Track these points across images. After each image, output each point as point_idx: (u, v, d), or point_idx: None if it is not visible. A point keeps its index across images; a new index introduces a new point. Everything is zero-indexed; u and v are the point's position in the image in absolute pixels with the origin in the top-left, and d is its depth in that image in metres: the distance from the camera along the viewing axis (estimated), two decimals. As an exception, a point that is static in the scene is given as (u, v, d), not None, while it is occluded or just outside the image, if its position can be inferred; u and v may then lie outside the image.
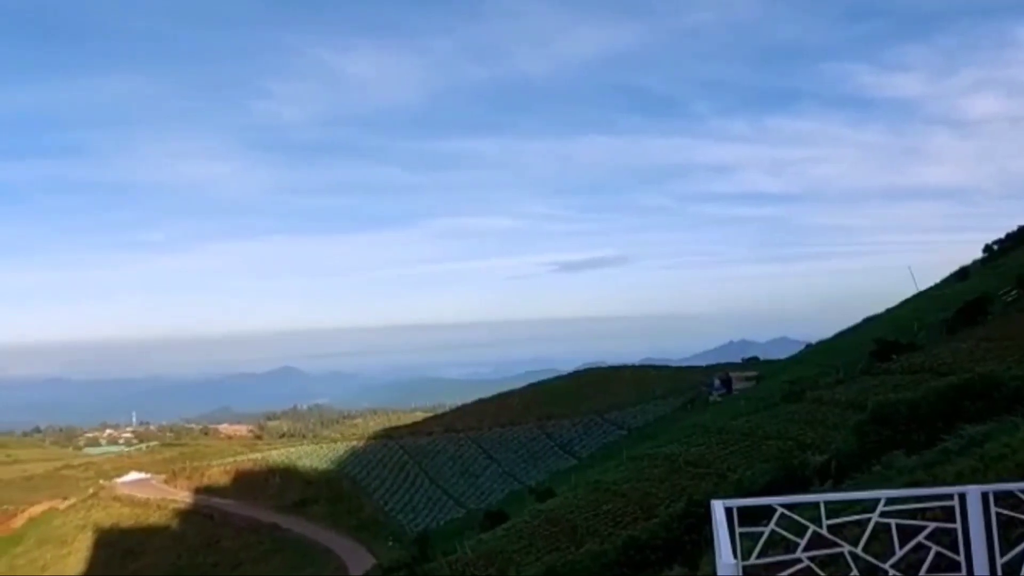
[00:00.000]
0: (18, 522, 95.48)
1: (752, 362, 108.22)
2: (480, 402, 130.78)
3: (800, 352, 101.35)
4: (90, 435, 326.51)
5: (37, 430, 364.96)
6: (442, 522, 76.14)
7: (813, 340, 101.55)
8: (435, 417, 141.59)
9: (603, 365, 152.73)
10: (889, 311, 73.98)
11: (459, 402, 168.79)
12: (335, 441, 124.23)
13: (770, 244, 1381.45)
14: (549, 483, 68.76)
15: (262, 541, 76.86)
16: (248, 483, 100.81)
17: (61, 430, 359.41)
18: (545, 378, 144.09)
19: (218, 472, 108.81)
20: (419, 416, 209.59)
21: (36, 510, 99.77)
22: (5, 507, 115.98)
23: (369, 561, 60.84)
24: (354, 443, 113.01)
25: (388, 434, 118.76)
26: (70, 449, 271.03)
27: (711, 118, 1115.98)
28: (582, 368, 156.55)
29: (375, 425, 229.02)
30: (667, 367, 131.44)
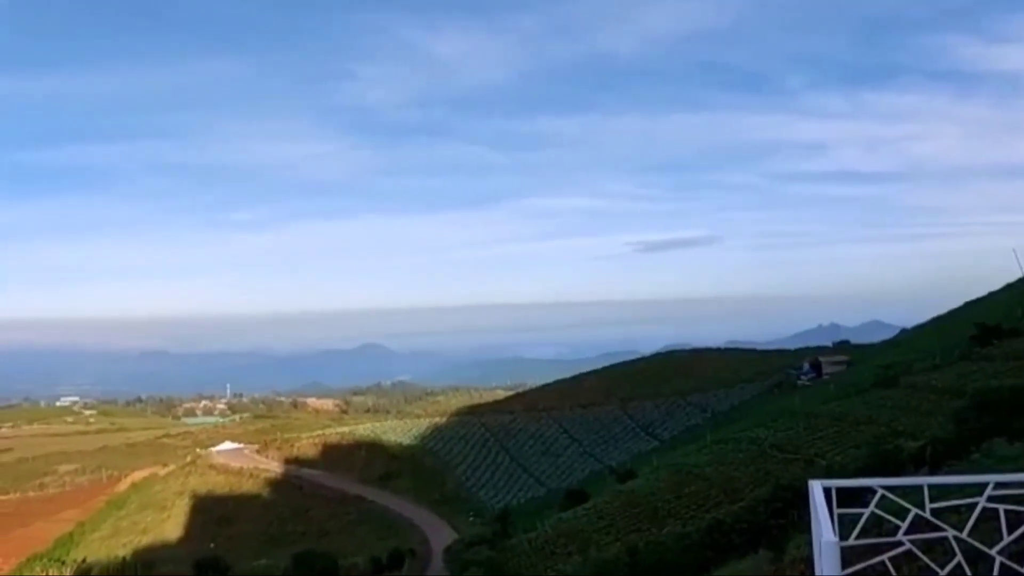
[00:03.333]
0: (122, 486, 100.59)
1: (843, 346, 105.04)
2: (561, 382, 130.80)
3: (894, 336, 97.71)
4: (187, 406, 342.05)
5: (139, 400, 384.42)
6: (522, 499, 76.71)
7: (908, 324, 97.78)
8: (516, 396, 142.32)
9: (687, 347, 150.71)
10: (991, 295, 70.36)
11: (540, 382, 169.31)
12: (418, 417, 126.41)
13: (864, 225, 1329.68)
14: (630, 464, 68.39)
15: (348, 512, 78.91)
16: (335, 456, 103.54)
17: (161, 401, 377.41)
18: (627, 359, 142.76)
19: (307, 444, 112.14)
20: (500, 395, 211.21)
21: (138, 475, 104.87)
22: (111, 472, 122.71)
23: (451, 535, 61.78)
24: (436, 419, 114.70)
25: (470, 411, 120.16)
26: (169, 419, 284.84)
27: (804, 94, 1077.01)
28: (665, 350, 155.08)
29: (457, 402, 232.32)
30: (753, 350, 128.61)
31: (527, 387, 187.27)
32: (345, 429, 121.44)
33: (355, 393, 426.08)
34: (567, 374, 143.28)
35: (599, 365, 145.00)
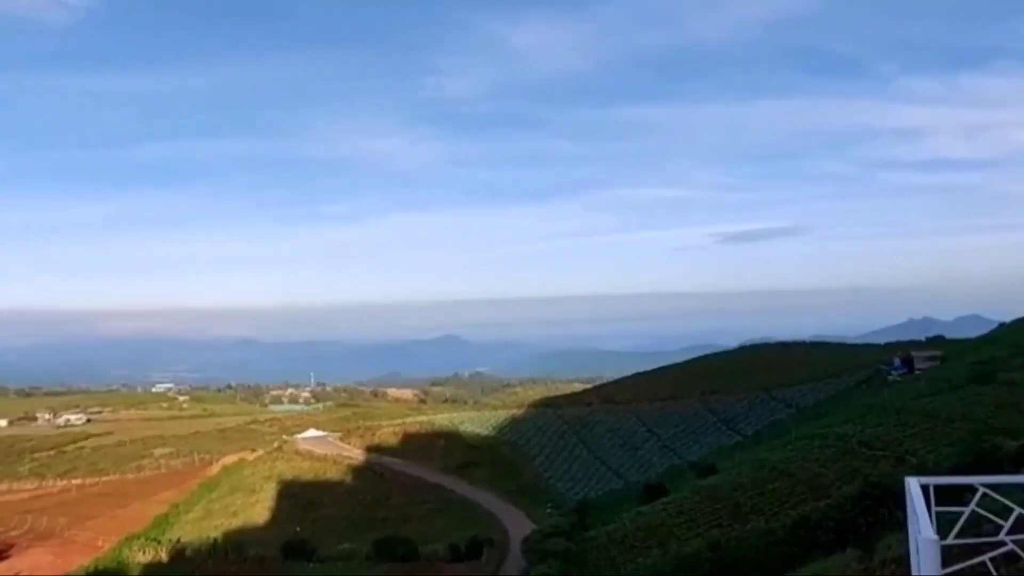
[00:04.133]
0: (214, 470, 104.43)
1: (936, 341, 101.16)
2: (641, 375, 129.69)
3: (992, 331, 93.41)
4: (274, 393, 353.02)
5: (229, 387, 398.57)
6: (600, 492, 76.42)
7: (1008, 319, 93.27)
8: (594, 388, 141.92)
9: (772, 341, 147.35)
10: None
11: (619, 374, 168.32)
12: (496, 408, 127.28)
13: (961, 214, 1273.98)
14: (711, 459, 67.44)
15: (427, 500, 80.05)
16: (415, 444, 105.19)
17: (249, 388, 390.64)
18: (709, 353, 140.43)
19: (388, 433, 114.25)
20: (578, 387, 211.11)
21: (229, 460, 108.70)
22: (203, 456, 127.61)
23: (528, 525, 62.01)
24: (514, 411, 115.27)
25: (547, 403, 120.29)
26: (257, 406, 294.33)
27: (898, 79, 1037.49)
28: (749, 343, 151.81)
29: (534, 394, 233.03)
30: (841, 344, 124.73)
31: (605, 380, 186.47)
32: (424, 419, 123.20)
33: (434, 384, 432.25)
34: (646, 367, 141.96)
35: (680, 358, 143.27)
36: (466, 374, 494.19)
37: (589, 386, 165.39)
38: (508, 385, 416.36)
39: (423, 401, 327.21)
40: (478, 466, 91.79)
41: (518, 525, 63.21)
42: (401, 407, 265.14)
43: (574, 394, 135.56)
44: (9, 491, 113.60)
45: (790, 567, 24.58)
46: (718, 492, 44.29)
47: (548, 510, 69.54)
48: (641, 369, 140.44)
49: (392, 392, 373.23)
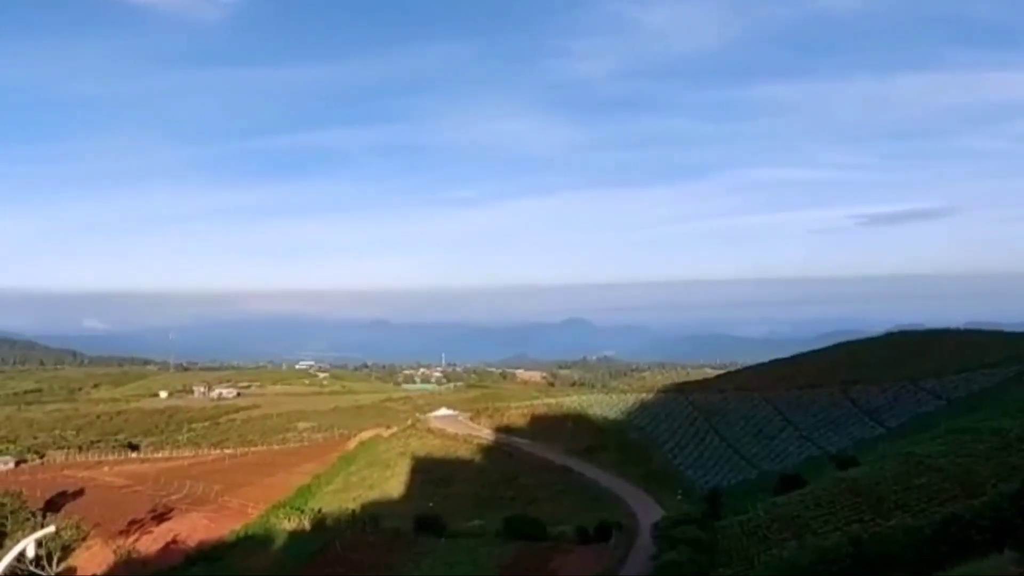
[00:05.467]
0: (351, 444, 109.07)
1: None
2: (776, 362, 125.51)
3: None
4: (407, 372, 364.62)
5: (365, 366, 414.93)
6: (732, 481, 74.70)
7: None
8: (727, 375, 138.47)
9: (919, 328, 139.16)
10: None
11: (751, 361, 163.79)
12: (624, 392, 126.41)
13: None
14: (852, 451, 64.64)
15: (555, 482, 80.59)
16: (542, 426, 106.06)
17: (384, 367, 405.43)
18: (851, 340, 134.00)
19: (516, 414, 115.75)
20: (709, 373, 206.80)
21: (365, 435, 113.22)
22: (341, 431, 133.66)
23: (657, 512, 61.38)
24: (643, 395, 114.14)
25: (677, 389, 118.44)
26: (391, 384, 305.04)
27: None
28: (895, 330, 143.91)
29: (663, 379, 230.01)
30: (998, 332, 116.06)
31: (737, 366, 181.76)
32: (552, 401, 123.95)
33: (561, 366, 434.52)
34: (781, 354, 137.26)
35: (818, 346, 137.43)
36: (593, 358, 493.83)
37: (721, 372, 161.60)
38: (636, 369, 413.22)
39: (551, 384, 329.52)
40: (606, 450, 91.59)
41: (647, 511, 62.71)
42: (529, 389, 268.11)
43: (705, 380, 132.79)
44: (170, 458, 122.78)
45: (938, 567, 23.19)
46: (859, 485, 42.34)
47: (678, 497, 68.64)
48: (775, 356, 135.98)
49: (520, 374, 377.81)
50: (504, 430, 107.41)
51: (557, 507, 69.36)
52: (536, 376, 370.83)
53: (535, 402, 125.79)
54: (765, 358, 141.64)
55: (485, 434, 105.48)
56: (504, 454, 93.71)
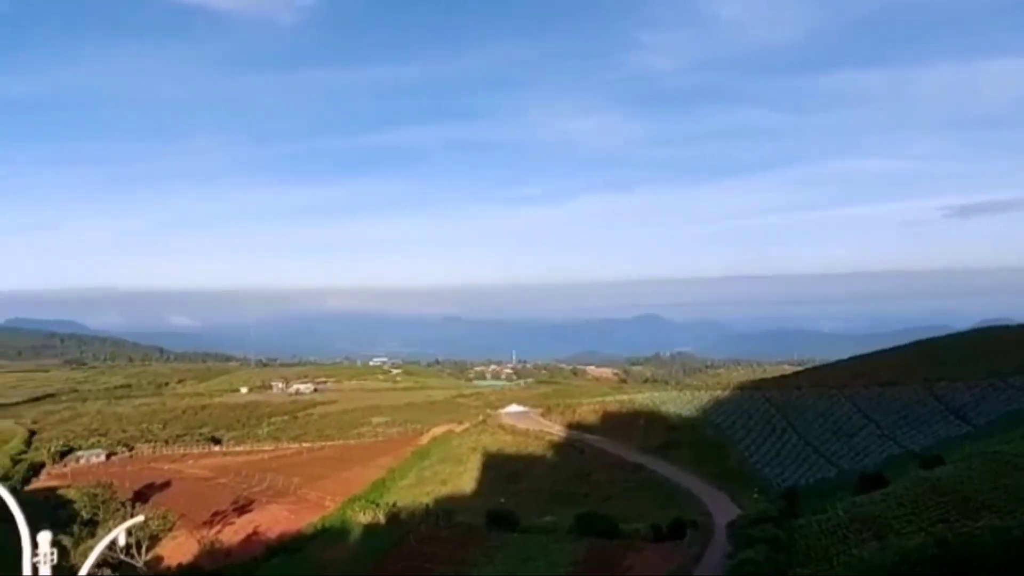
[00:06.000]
0: (424, 439, 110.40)
1: None
2: (856, 358, 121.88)
3: None
4: (478, 369, 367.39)
5: (436, 362, 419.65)
6: (811, 480, 72.93)
7: None
8: (805, 371, 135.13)
9: (1009, 323, 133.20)
10: None
11: (830, 357, 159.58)
12: (698, 389, 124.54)
13: None
14: (936, 450, 62.37)
15: (628, 479, 79.99)
16: (615, 423, 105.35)
17: (455, 363, 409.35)
18: (936, 335, 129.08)
19: (587, 410, 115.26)
20: (786, 369, 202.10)
21: (438, 430, 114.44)
22: (415, 426, 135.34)
23: (733, 510, 60.36)
24: (717, 392, 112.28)
25: (753, 386, 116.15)
26: (462, 380, 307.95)
27: None
28: (982, 325, 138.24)
29: (739, 376, 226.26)
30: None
31: (816, 362, 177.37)
32: (624, 397, 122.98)
33: (633, 363, 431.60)
34: (862, 350, 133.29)
35: (900, 341, 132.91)
36: (666, 354, 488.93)
37: (799, 369, 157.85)
38: (710, 366, 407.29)
39: (623, 380, 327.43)
40: (680, 447, 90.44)
41: (722, 509, 61.72)
42: (600, 385, 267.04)
43: (783, 377, 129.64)
44: (251, 451, 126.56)
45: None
46: (943, 485, 40.85)
47: (754, 495, 67.34)
48: (856, 352, 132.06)
49: (591, 370, 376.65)
50: (575, 427, 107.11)
51: (630, 504, 68.83)
52: (607, 372, 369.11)
53: (607, 398, 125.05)
54: (845, 354, 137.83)
55: (556, 430, 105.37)
56: (576, 451, 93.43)
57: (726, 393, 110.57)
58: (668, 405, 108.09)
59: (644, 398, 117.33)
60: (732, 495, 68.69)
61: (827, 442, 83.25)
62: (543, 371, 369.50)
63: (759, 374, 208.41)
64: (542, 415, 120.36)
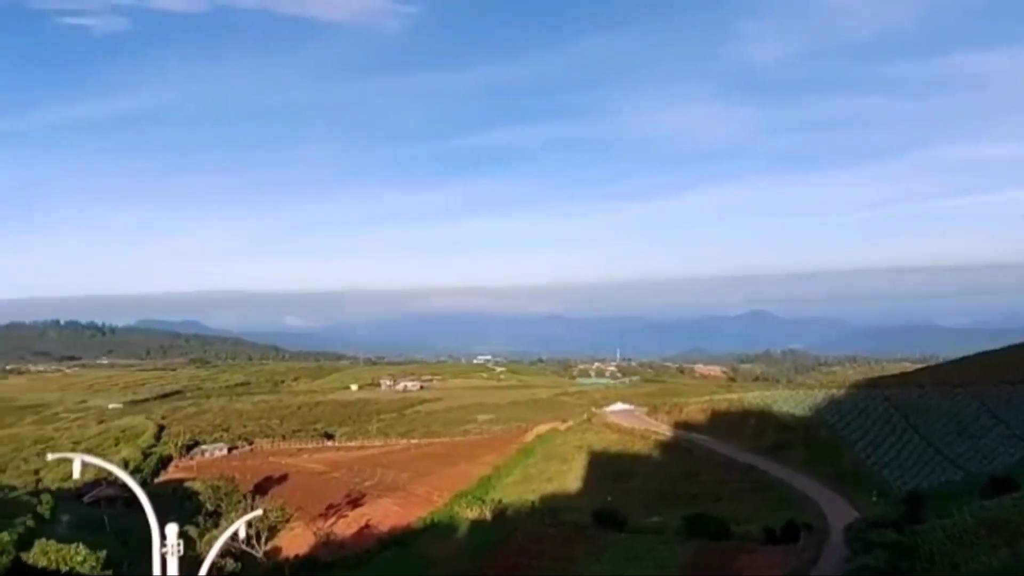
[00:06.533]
0: (529, 437, 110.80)
1: None
2: (985, 355, 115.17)
3: None
4: (582, 367, 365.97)
5: (540, 360, 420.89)
6: (934, 483, 69.50)
7: None
8: (927, 369, 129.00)
9: None
10: None
11: (956, 354, 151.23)
12: (811, 388, 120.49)
13: None
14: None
15: (738, 480, 78.10)
16: (723, 422, 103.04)
17: (559, 361, 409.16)
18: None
19: (695, 409, 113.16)
20: (907, 367, 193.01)
21: (542, 428, 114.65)
22: (519, 424, 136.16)
23: (850, 513, 58.04)
24: (832, 391, 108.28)
25: (871, 384, 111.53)
26: (566, 378, 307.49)
27: None
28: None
29: (855, 374, 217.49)
30: None
31: (939, 359, 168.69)
32: (733, 396, 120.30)
33: (742, 360, 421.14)
34: (989, 346, 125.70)
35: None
36: (777, 351, 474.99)
37: (920, 366, 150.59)
38: (824, 363, 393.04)
39: (731, 378, 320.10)
40: (792, 448, 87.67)
41: (839, 512, 59.44)
42: (708, 384, 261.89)
43: (903, 374, 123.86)
44: (362, 447, 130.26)
45: None
46: (1086, 491, 38.14)
47: (873, 498, 64.61)
48: (983, 348, 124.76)
49: (698, 368, 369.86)
50: (683, 426, 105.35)
51: (740, 506, 67.20)
52: (715, 370, 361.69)
53: (715, 397, 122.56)
54: (970, 350, 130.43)
55: (663, 430, 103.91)
56: (683, 450, 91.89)
57: (842, 392, 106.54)
58: (780, 404, 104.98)
59: (754, 397, 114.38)
60: (849, 498, 66.15)
61: (952, 444, 79.08)
62: (648, 369, 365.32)
63: (877, 372, 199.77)
64: (648, 414, 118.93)
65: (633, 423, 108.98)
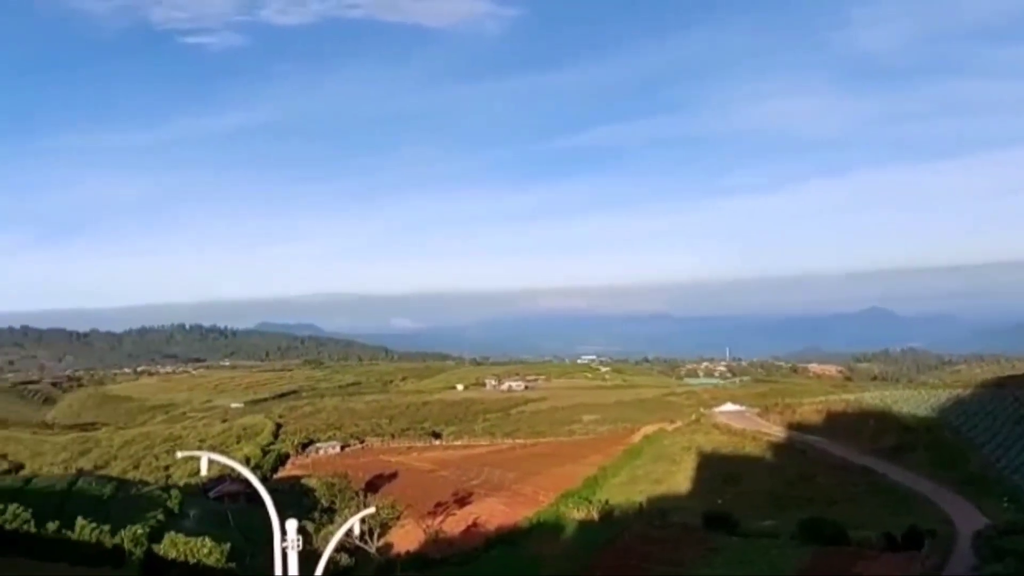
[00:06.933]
0: (636, 438, 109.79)
1: None
2: None
3: None
4: (689, 367, 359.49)
5: (646, 360, 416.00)
6: (1074, 489, 64.87)
7: None
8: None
9: None
10: None
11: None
12: (935, 388, 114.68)
13: None
14: None
15: (855, 483, 75.10)
16: (839, 423, 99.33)
17: (665, 361, 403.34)
18: None
19: (809, 410, 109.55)
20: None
21: (649, 429, 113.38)
22: (625, 424, 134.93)
23: (977, 519, 54.89)
24: (957, 391, 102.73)
25: (999, 383, 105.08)
26: (672, 378, 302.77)
27: None
28: None
29: (982, 373, 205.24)
30: None
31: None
32: (850, 396, 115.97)
33: (858, 359, 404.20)
34: None
35: None
36: (897, 350, 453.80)
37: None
38: (948, 362, 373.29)
39: (848, 378, 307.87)
40: (913, 450, 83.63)
41: (965, 518, 56.32)
42: (823, 384, 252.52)
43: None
44: (468, 446, 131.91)
45: None
46: None
47: (1004, 504, 60.95)
48: None
49: (813, 368, 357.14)
50: (796, 427, 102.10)
51: (859, 510, 64.60)
52: (831, 370, 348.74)
53: (830, 397, 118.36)
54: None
55: (775, 431, 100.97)
56: (797, 452, 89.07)
57: (967, 392, 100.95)
58: (900, 405, 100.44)
59: (872, 397, 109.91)
60: (976, 503, 62.57)
61: (1096, 447, 73.68)
62: (759, 369, 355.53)
63: (1006, 371, 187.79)
64: (759, 415, 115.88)
65: (744, 424, 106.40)
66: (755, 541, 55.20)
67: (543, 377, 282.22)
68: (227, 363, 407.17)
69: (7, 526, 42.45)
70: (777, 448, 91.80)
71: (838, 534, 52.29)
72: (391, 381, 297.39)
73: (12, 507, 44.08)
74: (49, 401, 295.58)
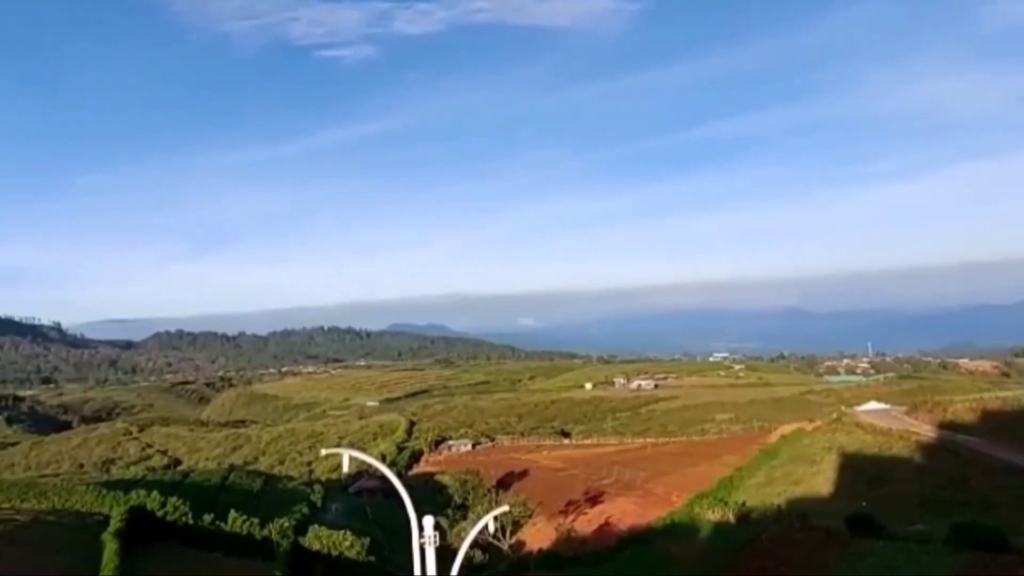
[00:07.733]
0: (772, 438, 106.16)
1: None
2: None
3: None
4: (829, 364, 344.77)
5: (781, 356, 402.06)
6: None
7: None
8: None
9: None
10: None
11: None
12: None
13: None
14: None
15: (1017, 486, 69.64)
16: (997, 423, 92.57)
17: (802, 358, 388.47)
18: None
19: (962, 408, 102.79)
20: None
21: (786, 429, 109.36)
22: (760, 424, 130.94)
23: None
24: None
25: None
26: (811, 376, 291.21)
27: None
28: None
29: None
30: None
31: None
32: (1009, 393, 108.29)
33: (1016, 354, 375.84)
34: None
35: None
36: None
37: None
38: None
39: (1005, 374, 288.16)
40: (1085, 452, 76.93)
41: None
42: (976, 380, 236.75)
43: None
44: (597, 445, 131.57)
45: None
46: None
47: None
48: None
49: (964, 363, 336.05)
50: (947, 426, 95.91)
51: (1020, 515, 60.00)
52: (985, 365, 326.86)
53: (985, 395, 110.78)
54: None
55: (924, 430, 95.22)
56: (949, 453, 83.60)
57: None
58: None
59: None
60: None
61: None
62: (905, 365, 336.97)
63: None
64: (906, 413, 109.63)
65: (889, 423, 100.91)
66: (903, 546, 52.17)
67: (673, 375, 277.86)
68: (363, 363, 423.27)
69: (168, 517, 45.62)
70: (926, 449, 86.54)
71: (997, 540, 48.65)
72: (519, 380, 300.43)
73: (172, 500, 47.31)
74: (204, 400, 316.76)
